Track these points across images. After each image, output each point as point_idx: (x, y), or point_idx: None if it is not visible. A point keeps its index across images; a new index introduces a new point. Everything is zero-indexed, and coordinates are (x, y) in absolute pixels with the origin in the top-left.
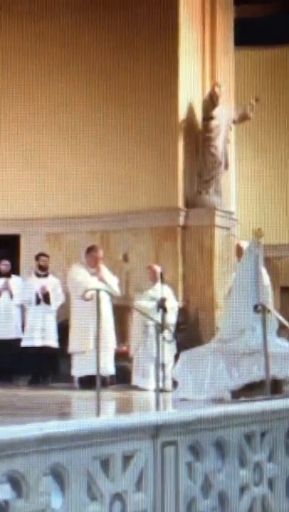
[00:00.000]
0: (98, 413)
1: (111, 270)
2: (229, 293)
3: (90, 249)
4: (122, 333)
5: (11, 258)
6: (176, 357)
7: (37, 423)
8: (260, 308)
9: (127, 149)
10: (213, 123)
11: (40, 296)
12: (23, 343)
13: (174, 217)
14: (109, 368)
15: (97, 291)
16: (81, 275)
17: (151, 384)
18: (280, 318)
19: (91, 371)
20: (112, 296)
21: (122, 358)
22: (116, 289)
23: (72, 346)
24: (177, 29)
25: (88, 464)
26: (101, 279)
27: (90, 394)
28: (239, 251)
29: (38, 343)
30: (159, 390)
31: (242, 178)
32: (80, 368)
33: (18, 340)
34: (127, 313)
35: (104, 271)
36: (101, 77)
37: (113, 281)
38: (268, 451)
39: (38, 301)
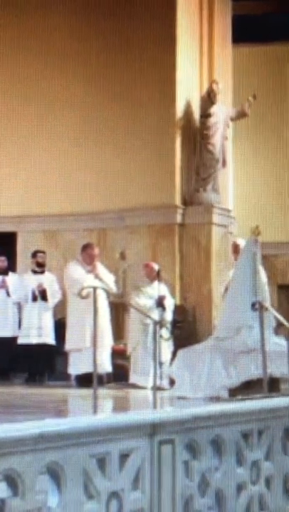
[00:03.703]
0: (95, 411)
1: (108, 268)
2: (225, 291)
3: (86, 247)
4: (119, 330)
5: (7, 256)
6: (174, 355)
7: (33, 421)
8: (257, 306)
9: (124, 146)
10: (211, 120)
11: (37, 293)
12: (19, 341)
13: (172, 215)
14: (106, 365)
15: (94, 288)
16: (77, 273)
17: (150, 382)
18: (278, 316)
19: (88, 369)
20: (108, 293)
21: (119, 355)
22: (112, 287)
23: (69, 344)
24: (175, 26)
25: (85, 463)
26: (97, 277)
27: (86, 392)
28: (235, 248)
29: (34, 340)
30: (156, 388)
31: (240, 176)
32: (76, 366)
33: (15, 338)
34: (123, 311)
35: (101, 268)
36: (99, 74)
37: (109, 279)
38: (265, 449)
39: (34, 298)
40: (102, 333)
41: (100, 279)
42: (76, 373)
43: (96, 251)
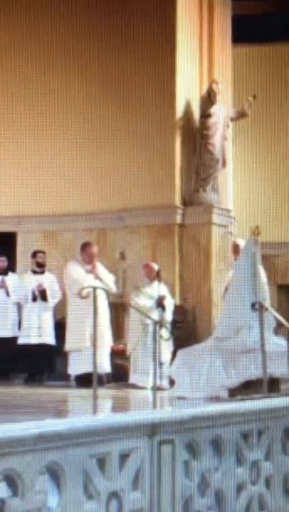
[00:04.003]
0: (95, 411)
1: (108, 268)
2: (226, 291)
3: (85, 246)
4: (118, 330)
5: (7, 256)
6: (173, 355)
7: (33, 421)
8: (257, 306)
9: (124, 147)
10: (211, 120)
11: (37, 293)
12: (20, 341)
13: (171, 215)
14: (105, 366)
15: (94, 289)
16: (77, 272)
17: (150, 382)
18: (278, 316)
19: (88, 369)
20: (108, 293)
21: (119, 355)
22: (112, 287)
23: (69, 344)
24: (175, 26)
25: (85, 463)
26: (97, 277)
27: (86, 392)
28: (235, 248)
29: (34, 340)
30: (156, 388)
31: (239, 176)
32: (76, 366)
33: (15, 338)
34: (123, 311)
35: (100, 268)
36: (98, 74)
37: (109, 279)
38: (265, 449)
39: (34, 298)
40: (101, 333)
41: (100, 279)
42: (76, 373)
43: (95, 249)
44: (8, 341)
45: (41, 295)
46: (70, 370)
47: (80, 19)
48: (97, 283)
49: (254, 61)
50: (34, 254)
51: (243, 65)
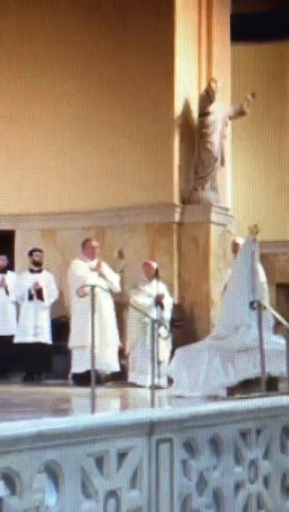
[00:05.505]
0: (93, 410)
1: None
2: (224, 289)
3: (85, 242)
4: (118, 329)
5: (6, 254)
6: (172, 353)
7: (31, 420)
8: (256, 305)
9: (122, 145)
10: (210, 119)
11: (33, 292)
12: (16, 340)
13: (170, 214)
14: (112, 364)
15: (92, 287)
16: (81, 270)
17: (148, 381)
18: (276, 315)
19: (90, 367)
20: (112, 292)
21: (118, 354)
22: (116, 285)
23: (72, 342)
24: (173, 24)
25: (83, 461)
26: (101, 275)
27: (84, 391)
28: (235, 247)
29: (30, 339)
30: (155, 387)
31: (238, 175)
32: (79, 364)
33: (13, 337)
34: (122, 310)
35: (105, 267)
36: (96, 72)
37: (114, 278)
38: (264, 448)
39: (30, 297)
40: (105, 332)
41: (105, 278)
42: (79, 371)
43: (95, 243)
44: (7, 340)
45: (37, 294)
46: (73, 368)
47: (78, 17)
48: (100, 281)
49: (253, 59)
50: (31, 253)
51: (241, 63)
